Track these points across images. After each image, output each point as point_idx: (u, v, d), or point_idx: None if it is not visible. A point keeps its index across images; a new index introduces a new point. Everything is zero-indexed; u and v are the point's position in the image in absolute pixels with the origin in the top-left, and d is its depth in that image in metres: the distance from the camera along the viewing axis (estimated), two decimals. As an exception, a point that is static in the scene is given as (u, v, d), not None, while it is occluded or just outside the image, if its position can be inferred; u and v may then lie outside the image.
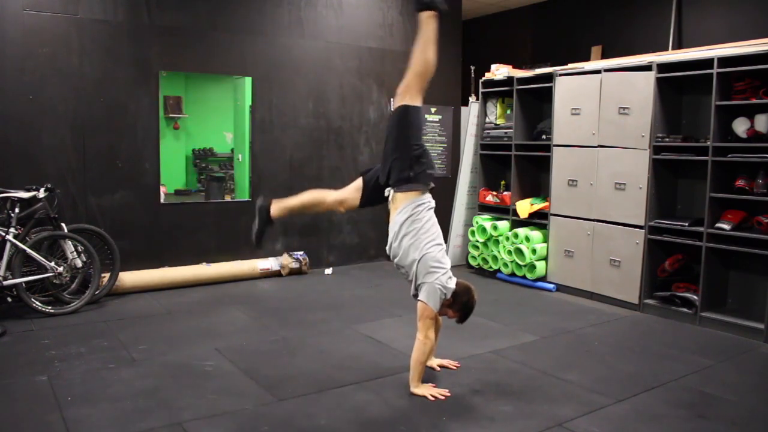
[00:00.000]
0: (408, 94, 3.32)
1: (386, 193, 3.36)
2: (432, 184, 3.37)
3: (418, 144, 3.32)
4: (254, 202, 3.63)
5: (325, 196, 3.59)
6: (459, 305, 3.33)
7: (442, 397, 3.24)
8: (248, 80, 5.99)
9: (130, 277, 5.28)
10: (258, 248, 3.62)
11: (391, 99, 6.77)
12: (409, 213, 3.26)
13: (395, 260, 3.35)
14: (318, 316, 4.77)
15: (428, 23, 3.41)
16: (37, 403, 3.11)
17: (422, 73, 3.35)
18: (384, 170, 3.35)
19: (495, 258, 6.15)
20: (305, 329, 4.42)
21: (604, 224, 5.26)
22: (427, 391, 3.28)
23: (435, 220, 3.36)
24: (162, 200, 5.64)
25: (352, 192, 3.53)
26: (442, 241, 3.35)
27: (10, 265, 4.48)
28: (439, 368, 3.65)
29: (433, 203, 3.37)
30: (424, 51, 3.37)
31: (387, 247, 3.39)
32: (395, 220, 3.30)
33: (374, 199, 3.48)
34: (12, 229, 4.51)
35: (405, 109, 3.31)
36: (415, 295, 3.31)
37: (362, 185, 3.50)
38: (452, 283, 3.29)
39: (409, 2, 6.81)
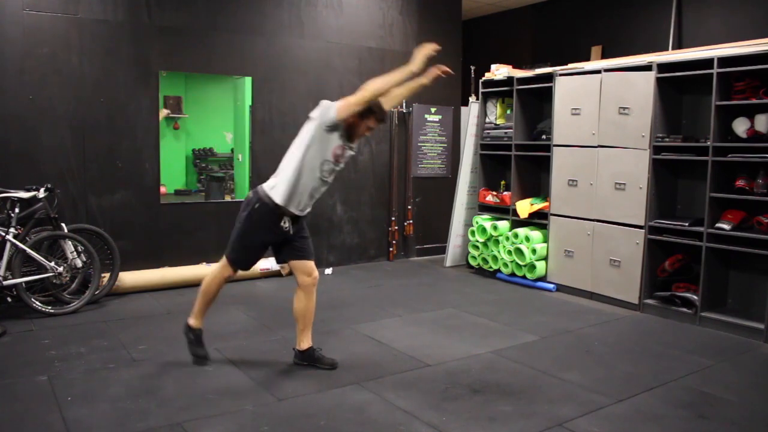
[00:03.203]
0: (225, 272, 3.64)
1: (285, 225, 3.47)
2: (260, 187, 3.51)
3: (244, 225, 3.51)
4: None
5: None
6: (365, 111, 3.37)
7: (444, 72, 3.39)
8: (248, 80, 5.99)
9: (130, 277, 5.27)
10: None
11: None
12: (283, 176, 3.41)
13: (328, 177, 3.47)
14: (318, 316, 4.73)
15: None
16: (37, 403, 3.11)
17: (212, 292, 3.70)
18: (277, 236, 3.53)
19: (495, 258, 6.15)
20: (305, 329, 4.41)
21: (604, 224, 5.26)
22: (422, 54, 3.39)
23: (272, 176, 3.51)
24: (161, 201, 5.64)
25: (300, 271, 3.69)
26: (285, 159, 3.48)
27: (10, 265, 4.48)
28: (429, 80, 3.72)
29: (262, 185, 3.50)
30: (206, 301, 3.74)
31: (303, 207, 3.48)
32: (290, 200, 3.41)
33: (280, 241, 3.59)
34: (12, 229, 4.51)
35: (237, 262, 3.65)
36: (332, 128, 3.35)
37: (293, 261, 3.64)
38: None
39: (410, 2, 6.82)
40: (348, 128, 3.39)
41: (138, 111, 5.44)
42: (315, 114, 3.38)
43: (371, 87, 3.31)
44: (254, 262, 3.69)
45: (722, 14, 6.11)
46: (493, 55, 7.33)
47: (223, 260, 3.61)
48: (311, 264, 3.64)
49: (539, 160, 6.01)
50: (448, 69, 3.41)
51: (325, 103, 3.38)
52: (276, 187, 3.42)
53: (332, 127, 3.33)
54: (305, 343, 3.66)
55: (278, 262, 3.69)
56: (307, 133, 3.38)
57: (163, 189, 5.74)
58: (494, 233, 6.10)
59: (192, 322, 3.66)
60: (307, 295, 3.63)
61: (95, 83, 5.23)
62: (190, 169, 6.48)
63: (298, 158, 3.37)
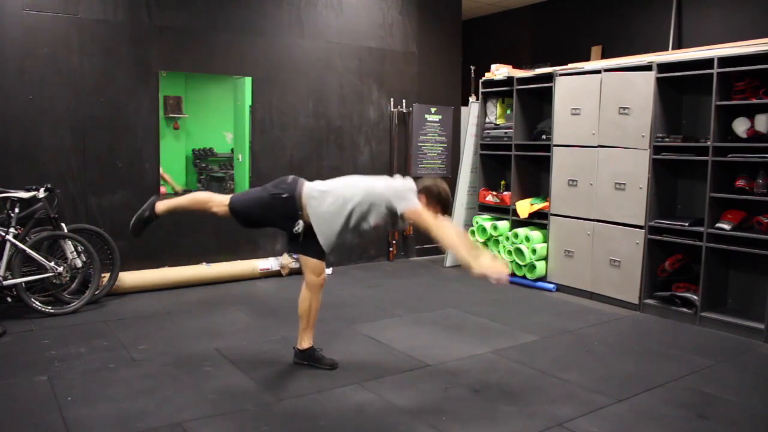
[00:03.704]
0: (220, 210, 3.57)
1: (296, 228, 3.44)
2: (299, 181, 3.49)
3: (258, 197, 3.51)
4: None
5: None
6: (435, 197, 3.38)
7: (505, 277, 3.04)
8: (248, 80, 5.99)
9: (130, 277, 5.27)
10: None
11: (392, 99, 6.79)
12: (318, 202, 3.38)
13: (356, 226, 3.41)
14: (318, 316, 4.75)
15: (162, 207, 3.68)
16: (37, 403, 3.11)
17: (202, 206, 3.66)
18: (288, 225, 3.49)
19: (495, 258, 6.14)
20: (305, 329, 4.41)
21: (604, 224, 5.26)
22: (490, 267, 3.03)
23: (338, 179, 3.50)
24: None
25: (310, 270, 3.64)
26: (362, 177, 3.49)
27: (10, 265, 4.47)
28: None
29: (317, 183, 3.49)
30: (181, 206, 3.74)
31: (325, 243, 3.46)
32: (315, 221, 3.40)
33: (303, 245, 3.54)
34: (12, 229, 4.51)
35: (235, 213, 3.53)
36: (396, 221, 3.36)
37: (312, 256, 3.59)
38: (410, 181, 3.38)
39: (410, 2, 6.82)
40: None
41: (138, 111, 5.44)
42: (388, 187, 3.33)
43: (444, 234, 3.26)
44: (249, 225, 3.68)
45: (722, 14, 6.11)
46: (493, 55, 7.33)
47: (226, 198, 3.58)
48: (322, 265, 3.61)
49: (539, 160, 6.01)
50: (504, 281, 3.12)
51: (402, 187, 3.32)
52: (314, 205, 3.39)
53: (394, 213, 3.33)
54: (306, 342, 3.66)
55: (289, 251, 3.66)
56: (371, 194, 3.34)
57: (163, 189, 5.74)
58: (494, 233, 6.10)
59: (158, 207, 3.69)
60: (313, 294, 3.62)
61: (95, 83, 5.23)
62: (190, 169, 6.48)
63: (348, 204, 3.35)
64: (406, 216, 3.30)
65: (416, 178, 3.53)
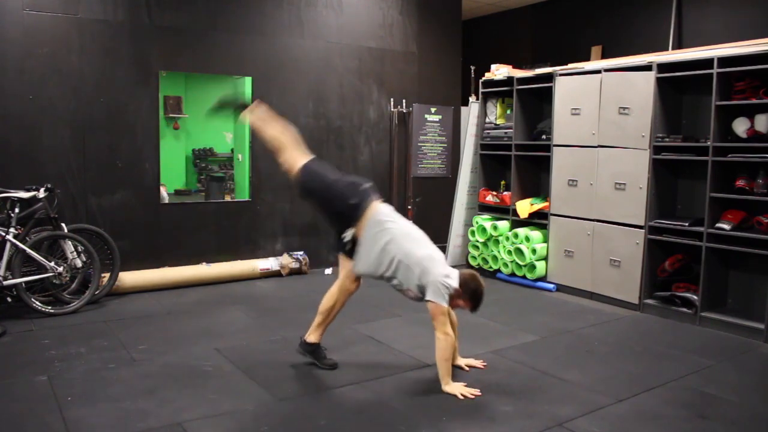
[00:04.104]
0: (290, 164, 3.52)
1: (345, 238, 3.42)
2: (375, 196, 3.45)
3: (334, 180, 3.47)
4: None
5: (334, 299, 3.59)
6: (469, 294, 3.34)
7: (472, 396, 3.25)
8: (248, 80, 5.99)
9: (130, 277, 5.28)
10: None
11: (392, 99, 6.79)
12: (375, 230, 3.33)
13: (385, 275, 3.37)
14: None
15: (251, 116, 3.63)
16: (37, 403, 3.11)
17: (280, 146, 3.57)
18: (339, 223, 3.49)
19: (495, 258, 6.15)
20: (305, 329, 4.40)
21: (604, 224, 5.26)
22: (458, 389, 3.28)
23: (404, 220, 3.43)
24: (166, 200, 5.64)
25: (345, 270, 3.56)
26: (421, 235, 3.41)
27: (10, 265, 4.48)
28: (468, 368, 3.65)
29: (389, 210, 3.44)
30: (267, 135, 3.63)
31: (359, 269, 3.42)
32: (363, 243, 3.37)
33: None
34: (12, 229, 4.51)
35: (300, 177, 3.49)
36: (421, 298, 3.32)
37: (343, 254, 3.54)
38: (453, 274, 3.32)
39: (410, 2, 6.82)
40: None
41: (138, 111, 5.44)
42: (431, 265, 3.28)
43: (438, 347, 3.31)
44: (305, 195, 3.62)
45: (722, 14, 6.11)
46: (493, 55, 7.33)
47: (300, 158, 3.54)
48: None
49: (539, 160, 6.01)
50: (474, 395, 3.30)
51: (443, 278, 3.26)
52: (368, 230, 3.35)
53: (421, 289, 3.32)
54: (314, 337, 3.64)
55: (338, 249, 3.57)
56: (409, 267, 3.29)
57: (163, 188, 5.74)
58: (494, 233, 6.10)
59: (250, 117, 3.65)
60: (340, 296, 3.58)
61: (95, 83, 5.23)
62: (190, 169, 6.47)
63: (388, 256, 3.31)
64: (429, 306, 3.29)
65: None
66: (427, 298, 3.26)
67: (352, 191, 3.40)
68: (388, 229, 3.33)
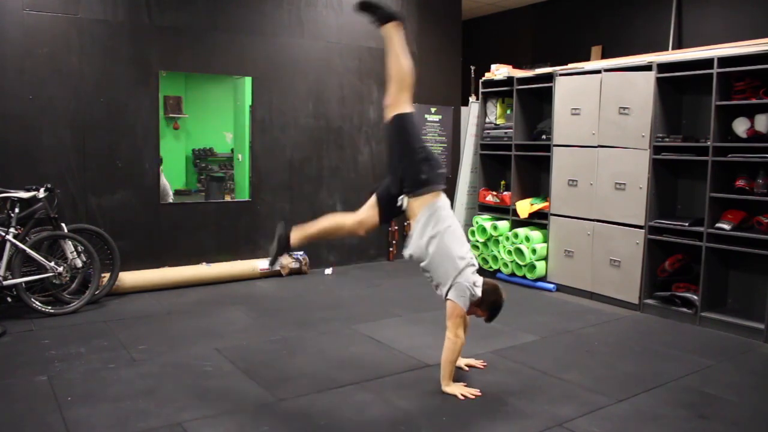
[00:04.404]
0: (396, 105, 3.37)
1: (399, 202, 3.37)
2: (444, 185, 3.41)
3: (421, 147, 3.35)
4: (275, 230, 3.61)
5: (344, 220, 3.53)
6: (487, 304, 3.37)
7: (472, 396, 3.26)
8: (248, 80, 5.99)
9: (130, 277, 5.28)
10: (272, 268, 3.62)
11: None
12: (428, 216, 3.29)
13: (422, 265, 3.37)
14: (318, 316, 4.76)
15: (394, 34, 3.41)
16: (37, 403, 3.11)
17: (402, 81, 3.38)
18: (395, 181, 3.37)
19: (495, 258, 6.15)
20: (305, 329, 4.42)
21: (604, 224, 5.26)
22: (458, 390, 3.30)
23: (455, 219, 3.39)
24: (161, 201, 5.65)
25: (368, 211, 3.48)
26: (462, 235, 3.40)
27: (10, 265, 4.48)
28: (467, 368, 3.65)
29: (448, 203, 3.39)
30: (398, 61, 3.38)
31: (408, 252, 3.40)
32: (416, 227, 3.33)
33: (392, 213, 3.47)
34: (12, 229, 4.51)
35: (399, 119, 3.36)
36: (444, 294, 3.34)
37: (376, 201, 3.47)
38: (479, 282, 3.34)
39: (410, 2, 6.82)
40: None
41: (138, 111, 5.44)
42: (461, 264, 3.29)
43: (446, 347, 3.37)
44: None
45: (722, 14, 6.11)
46: (493, 55, 7.33)
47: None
48: (376, 223, 3.48)
49: (539, 160, 6.01)
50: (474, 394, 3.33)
51: (466, 281, 3.29)
52: (421, 216, 3.31)
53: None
54: (296, 237, 3.55)
55: (381, 198, 3.46)
56: (442, 263, 3.30)
57: (167, 187, 5.74)
58: (494, 233, 6.10)
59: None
60: (347, 225, 3.52)
61: (95, 83, 5.23)
62: (190, 169, 6.48)
63: (439, 253, 3.29)
64: (447, 305, 3.32)
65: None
66: (449, 297, 3.29)
67: (428, 166, 3.30)
68: (442, 225, 3.29)
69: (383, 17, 3.41)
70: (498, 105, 6.38)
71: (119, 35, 5.30)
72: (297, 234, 3.55)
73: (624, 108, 5.04)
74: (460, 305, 3.28)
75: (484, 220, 6.24)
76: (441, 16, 7.08)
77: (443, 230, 3.27)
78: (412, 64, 3.40)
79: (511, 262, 5.93)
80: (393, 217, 3.55)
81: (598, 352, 4.05)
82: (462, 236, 3.38)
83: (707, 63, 4.54)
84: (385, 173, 3.55)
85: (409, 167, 3.31)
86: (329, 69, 6.40)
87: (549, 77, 5.71)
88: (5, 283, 4.43)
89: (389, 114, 3.40)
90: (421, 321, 4.66)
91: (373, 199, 3.49)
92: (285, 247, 3.56)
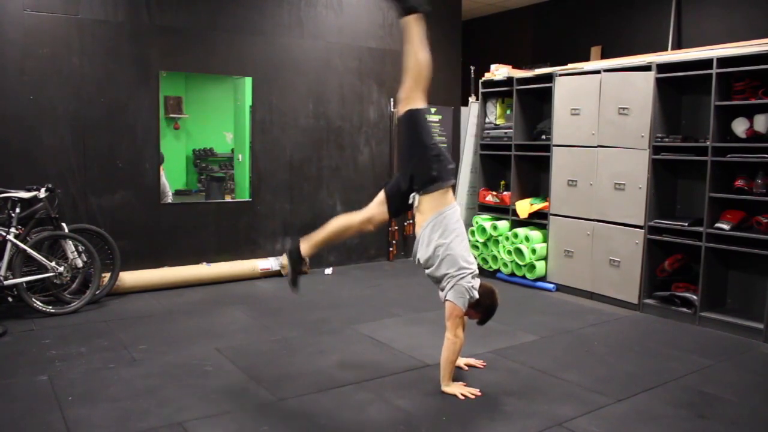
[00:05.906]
0: (410, 99, 3.36)
1: (411, 200, 3.36)
2: (454, 180, 3.42)
3: (433, 144, 3.35)
4: (285, 246, 3.58)
5: (351, 219, 3.51)
6: (482, 307, 3.40)
7: (473, 396, 3.27)
8: (248, 80, 5.99)
9: (130, 277, 5.28)
10: (294, 290, 3.62)
11: (392, 99, 6.79)
12: (435, 223, 3.29)
13: (427, 268, 3.38)
14: (318, 316, 4.77)
15: (414, 26, 3.34)
16: (37, 403, 3.11)
17: (418, 75, 3.35)
18: (405, 176, 3.36)
19: (495, 258, 6.16)
20: (305, 329, 4.43)
21: (604, 224, 5.26)
22: (458, 389, 3.31)
23: (462, 226, 3.40)
24: (161, 201, 5.65)
25: (377, 207, 3.47)
26: (465, 236, 3.41)
27: (10, 265, 4.48)
28: (467, 368, 3.66)
29: (457, 210, 3.40)
30: (416, 54, 3.34)
31: (415, 254, 3.41)
32: (423, 226, 3.33)
33: (401, 208, 3.46)
34: (13, 229, 4.52)
35: (411, 114, 3.35)
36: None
37: (385, 197, 3.45)
38: (477, 284, 3.36)
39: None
40: None
41: (138, 111, 5.45)
42: (461, 264, 3.30)
43: (445, 347, 3.38)
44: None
45: (722, 14, 6.11)
46: (493, 55, 7.33)
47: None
48: (385, 219, 3.48)
49: (539, 160, 6.01)
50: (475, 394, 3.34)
51: (464, 282, 3.31)
52: (430, 220, 3.31)
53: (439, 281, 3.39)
54: (306, 246, 3.54)
55: (391, 194, 3.44)
56: (443, 264, 3.32)
57: (167, 187, 5.74)
58: (494, 233, 6.10)
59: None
60: (353, 224, 3.50)
61: (95, 83, 5.23)
62: (190, 169, 6.47)
63: (446, 262, 3.30)
64: (446, 305, 3.33)
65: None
66: (449, 298, 3.30)
67: (438, 163, 3.28)
68: (450, 236, 3.30)
69: (406, 8, 3.33)
70: (498, 105, 6.38)
71: (119, 35, 5.30)
72: (306, 244, 3.55)
73: (623, 108, 5.05)
74: (459, 306, 3.29)
75: (483, 220, 6.25)
76: (441, 16, 7.08)
77: (450, 241, 3.29)
78: (430, 58, 3.37)
79: (511, 262, 5.93)
80: (402, 212, 3.54)
81: (598, 351, 4.06)
82: (467, 245, 3.41)
83: (707, 63, 4.54)
84: (388, 173, 3.54)
85: (420, 163, 3.30)
86: (329, 69, 6.41)
87: (549, 77, 5.71)
88: (6, 282, 4.43)
89: (402, 108, 3.39)
90: (421, 321, 4.67)
91: (381, 195, 3.48)
92: (298, 261, 3.55)
